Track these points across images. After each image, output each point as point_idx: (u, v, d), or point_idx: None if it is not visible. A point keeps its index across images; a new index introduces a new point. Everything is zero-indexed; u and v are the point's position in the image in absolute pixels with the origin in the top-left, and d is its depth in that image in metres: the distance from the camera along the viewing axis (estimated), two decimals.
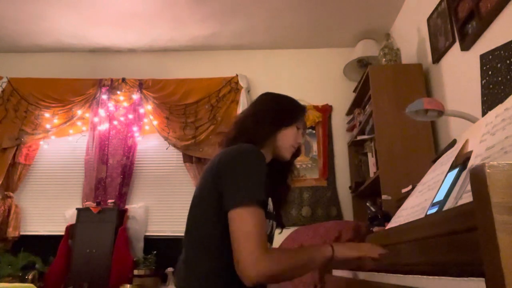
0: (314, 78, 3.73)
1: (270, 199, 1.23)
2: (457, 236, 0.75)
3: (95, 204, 3.29)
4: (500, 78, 1.79)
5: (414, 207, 1.14)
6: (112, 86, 3.69)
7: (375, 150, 2.77)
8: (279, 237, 2.80)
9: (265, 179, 1.08)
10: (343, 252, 1.08)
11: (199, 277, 1.07)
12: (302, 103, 1.40)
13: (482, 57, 1.94)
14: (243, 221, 0.99)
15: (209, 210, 1.09)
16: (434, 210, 0.97)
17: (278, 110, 1.32)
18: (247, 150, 1.13)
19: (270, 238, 1.24)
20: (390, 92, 2.64)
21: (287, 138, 1.30)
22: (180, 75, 3.72)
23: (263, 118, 1.28)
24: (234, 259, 0.98)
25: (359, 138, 3.12)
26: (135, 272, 3.08)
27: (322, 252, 1.07)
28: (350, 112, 3.46)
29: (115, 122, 3.63)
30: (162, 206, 3.49)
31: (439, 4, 2.45)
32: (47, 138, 3.62)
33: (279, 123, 1.29)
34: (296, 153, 1.37)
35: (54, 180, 3.59)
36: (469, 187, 0.75)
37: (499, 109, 0.92)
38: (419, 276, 0.75)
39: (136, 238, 3.32)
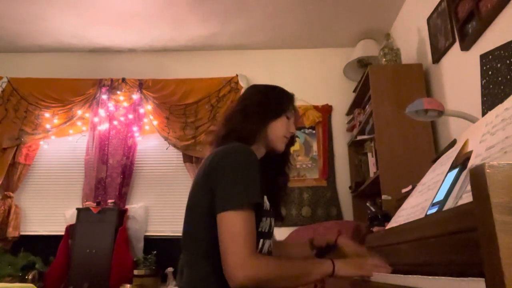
0: (314, 78, 3.72)
1: (265, 197, 1.22)
2: (457, 236, 0.75)
3: (95, 204, 3.29)
4: (500, 78, 1.79)
5: (414, 207, 1.14)
6: (112, 86, 3.69)
7: (375, 150, 2.77)
8: (279, 237, 2.80)
9: (258, 177, 1.07)
10: (345, 270, 1.05)
11: (201, 279, 1.07)
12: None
13: (482, 57, 1.94)
14: (232, 224, 0.99)
15: (204, 212, 1.08)
16: (434, 210, 0.97)
17: (265, 102, 1.29)
18: (237, 150, 1.11)
19: (269, 235, 1.22)
20: (390, 92, 2.63)
21: (278, 130, 1.27)
22: (180, 75, 3.72)
23: (251, 112, 1.25)
24: (221, 262, 0.97)
25: (359, 138, 3.12)
26: (135, 272, 3.08)
27: (321, 267, 1.05)
28: (350, 112, 3.46)
29: (115, 122, 3.63)
30: (162, 206, 3.49)
31: (439, 4, 2.45)
32: (47, 138, 3.62)
33: (267, 116, 1.27)
34: (290, 142, 1.34)
35: (54, 180, 3.59)
36: (469, 187, 0.75)
37: (499, 109, 0.91)
38: (419, 276, 0.75)
39: (136, 238, 3.32)
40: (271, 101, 1.31)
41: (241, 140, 1.18)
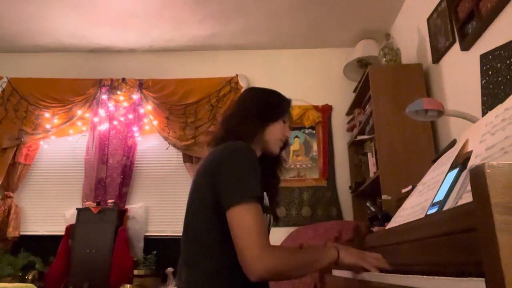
0: (314, 78, 3.72)
1: (265, 194, 1.24)
2: (457, 236, 0.75)
3: (95, 204, 3.29)
4: (500, 78, 1.79)
5: (414, 207, 1.14)
6: (112, 86, 3.69)
7: (375, 150, 2.77)
8: (279, 237, 2.80)
9: (259, 173, 1.09)
10: (349, 258, 1.07)
11: (201, 278, 1.07)
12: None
13: (482, 57, 1.94)
14: (243, 219, 0.99)
15: (207, 211, 1.09)
16: (434, 210, 0.97)
17: (264, 105, 1.32)
18: (239, 147, 1.13)
19: (268, 232, 1.24)
20: (390, 92, 2.64)
21: (274, 133, 1.31)
22: (180, 75, 3.72)
23: (250, 115, 1.28)
24: (238, 257, 0.98)
25: (359, 138, 3.12)
26: (135, 272, 3.08)
27: (327, 254, 1.07)
28: (350, 112, 3.46)
29: (115, 122, 3.63)
30: (162, 206, 3.49)
31: (439, 4, 2.45)
32: (47, 138, 3.62)
33: (266, 119, 1.30)
34: (284, 146, 1.37)
35: (54, 180, 3.59)
36: (469, 187, 0.75)
37: (499, 109, 0.92)
38: (419, 276, 0.75)
39: (136, 238, 3.32)
40: (270, 104, 1.34)
41: (239, 140, 1.19)
